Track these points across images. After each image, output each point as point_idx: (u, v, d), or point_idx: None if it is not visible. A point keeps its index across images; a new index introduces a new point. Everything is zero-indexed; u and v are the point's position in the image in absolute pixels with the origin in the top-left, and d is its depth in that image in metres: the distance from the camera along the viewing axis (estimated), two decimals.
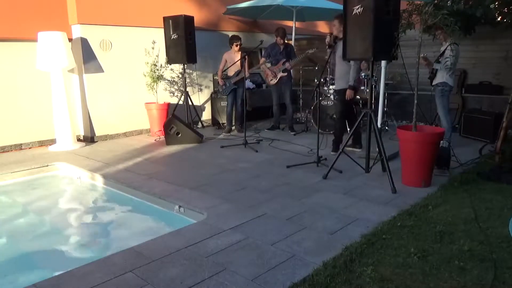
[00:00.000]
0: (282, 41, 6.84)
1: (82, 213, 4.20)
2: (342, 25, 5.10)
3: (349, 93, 5.33)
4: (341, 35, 5.24)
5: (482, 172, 4.37)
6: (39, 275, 2.63)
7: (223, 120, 7.69)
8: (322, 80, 6.73)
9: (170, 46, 7.02)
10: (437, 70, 5.43)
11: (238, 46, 6.95)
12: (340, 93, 5.48)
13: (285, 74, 6.89)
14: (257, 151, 5.72)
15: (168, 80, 7.59)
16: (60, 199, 4.62)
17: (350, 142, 5.71)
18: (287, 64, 6.82)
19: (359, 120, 4.66)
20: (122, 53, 6.92)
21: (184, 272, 2.55)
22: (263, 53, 7.03)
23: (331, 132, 6.05)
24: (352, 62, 5.19)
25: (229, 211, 3.54)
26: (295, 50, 7.30)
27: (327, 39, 5.40)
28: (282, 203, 3.72)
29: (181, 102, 7.21)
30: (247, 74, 6.83)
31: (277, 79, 6.93)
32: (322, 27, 10.51)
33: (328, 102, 6.67)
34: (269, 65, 6.96)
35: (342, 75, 5.43)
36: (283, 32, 6.84)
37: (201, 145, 6.33)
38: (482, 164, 4.79)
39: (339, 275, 2.45)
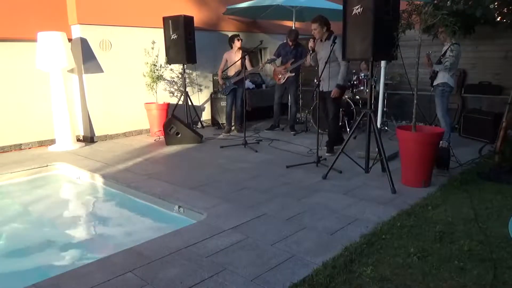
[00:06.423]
0: (292, 43, 6.86)
1: (81, 213, 4.20)
2: (325, 27, 5.28)
3: (335, 92, 5.27)
4: (324, 38, 5.30)
5: (482, 172, 4.37)
6: (39, 275, 2.63)
7: (222, 120, 7.69)
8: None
9: (169, 46, 7.02)
10: (437, 70, 5.43)
11: (240, 41, 7.00)
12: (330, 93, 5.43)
13: (293, 74, 6.93)
14: (256, 151, 5.73)
15: (168, 80, 7.59)
16: (60, 199, 4.62)
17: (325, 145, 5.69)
18: (289, 63, 6.83)
19: (358, 120, 4.66)
20: (122, 53, 6.92)
21: (183, 272, 2.55)
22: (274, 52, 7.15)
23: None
24: (342, 62, 5.14)
25: (229, 211, 3.54)
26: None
27: (311, 44, 5.33)
28: (281, 203, 3.72)
29: (180, 102, 7.21)
30: (249, 68, 6.87)
31: (285, 79, 6.97)
32: None
33: None
34: (278, 63, 6.99)
35: (334, 75, 5.37)
36: (295, 34, 6.85)
37: (201, 145, 6.34)
38: (482, 164, 4.80)
39: (339, 275, 2.45)
